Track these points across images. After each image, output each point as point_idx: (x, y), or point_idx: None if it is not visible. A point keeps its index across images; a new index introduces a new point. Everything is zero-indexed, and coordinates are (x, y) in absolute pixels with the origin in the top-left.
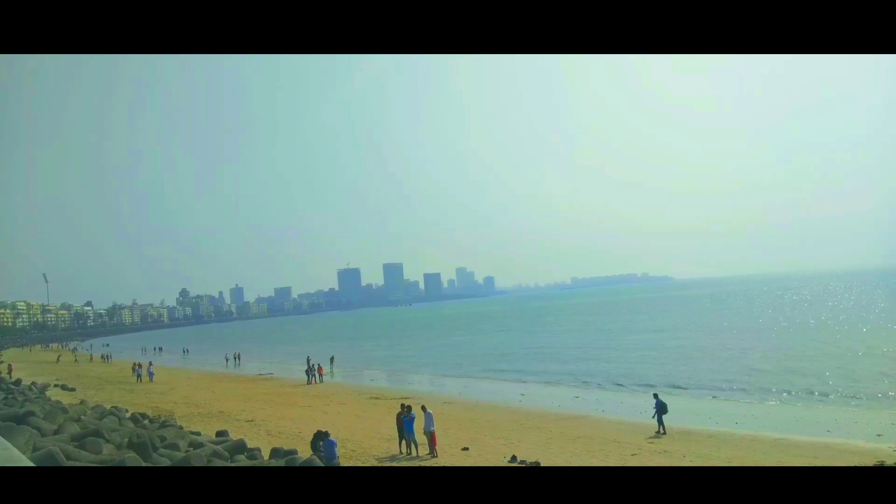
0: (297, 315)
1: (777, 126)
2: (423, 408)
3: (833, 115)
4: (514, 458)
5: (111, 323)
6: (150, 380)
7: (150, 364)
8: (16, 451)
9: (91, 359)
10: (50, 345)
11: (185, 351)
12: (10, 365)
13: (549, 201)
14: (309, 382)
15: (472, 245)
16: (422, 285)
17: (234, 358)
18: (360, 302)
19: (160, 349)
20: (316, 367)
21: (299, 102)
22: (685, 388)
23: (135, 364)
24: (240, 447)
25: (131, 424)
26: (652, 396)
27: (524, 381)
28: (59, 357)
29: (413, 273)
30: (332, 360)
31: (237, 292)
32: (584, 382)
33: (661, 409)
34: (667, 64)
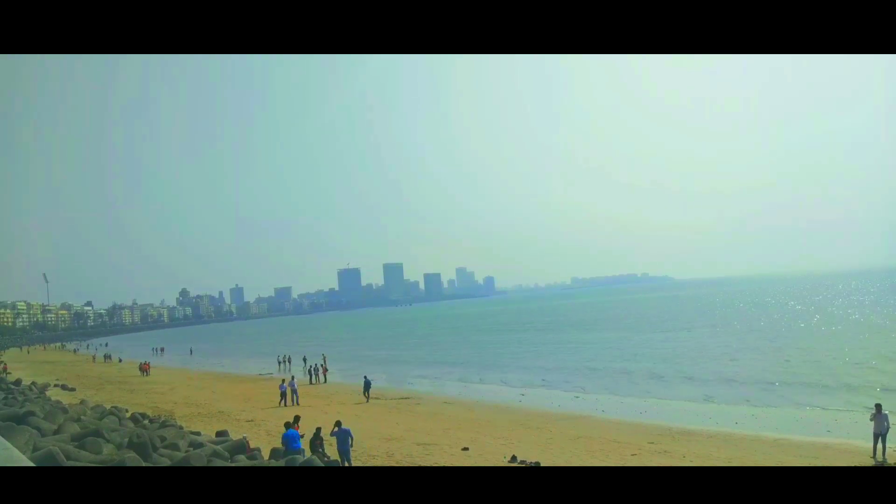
0: (297, 315)
1: (777, 126)
2: (339, 423)
3: (833, 115)
4: (514, 458)
5: (111, 323)
6: (295, 402)
7: (294, 379)
8: (16, 451)
9: (94, 359)
10: (47, 345)
11: (191, 351)
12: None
13: (550, 201)
14: (311, 383)
15: (472, 245)
16: (422, 285)
17: (320, 371)
18: (361, 302)
19: (162, 350)
20: (319, 367)
21: (300, 102)
22: (686, 388)
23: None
24: (240, 447)
25: (131, 424)
26: (363, 377)
27: (524, 382)
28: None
29: (413, 273)
30: (324, 358)
31: (237, 292)
32: (583, 382)
33: (367, 386)
34: (667, 64)
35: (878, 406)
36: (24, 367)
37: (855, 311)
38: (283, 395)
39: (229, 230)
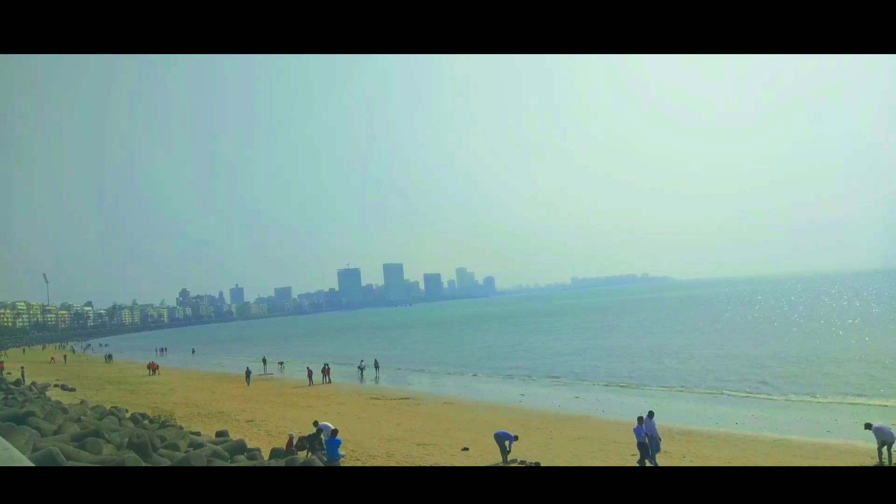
0: (297, 315)
1: (778, 127)
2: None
3: (833, 116)
4: (514, 460)
5: (111, 323)
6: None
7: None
8: (16, 451)
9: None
10: (45, 346)
11: (193, 351)
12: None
13: (550, 202)
14: (311, 384)
15: (472, 245)
16: (422, 286)
17: (360, 369)
18: (361, 302)
19: (164, 349)
20: (324, 366)
21: (300, 103)
22: (686, 389)
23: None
24: (240, 447)
25: (131, 424)
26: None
27: (524, 382)
28: (52, 358)
29: (413, 273)
30: (375, 363)
31: (237, 292)
32: (584, 383)
33: (248, 374)
34: (667, 64)
35: (868, 425)
36: (23, 367)
37: (858, 311)
38: (643, 445)
39: (229, 230)
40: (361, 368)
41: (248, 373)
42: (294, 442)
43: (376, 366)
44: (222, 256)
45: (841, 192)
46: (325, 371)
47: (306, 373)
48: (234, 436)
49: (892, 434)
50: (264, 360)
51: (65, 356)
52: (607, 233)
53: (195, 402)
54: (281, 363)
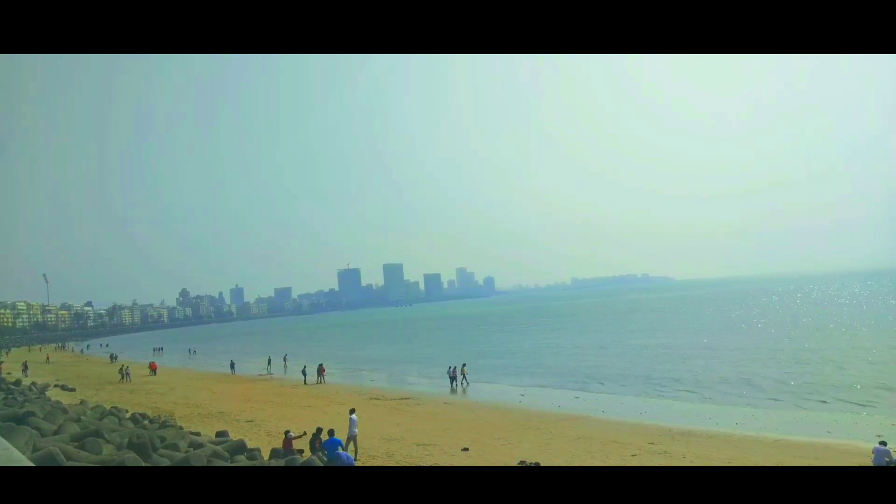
0: (297, 315)
1: (778, 128)
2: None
3: (833, 116)
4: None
5: (111, 323)
6: None
7: None
8: (16, 451)
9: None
10: (41, 346)
11: (194, 352)
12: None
13: (550, 202)
14: (306, 383)
15: (472, 245)
16: (422, 286)
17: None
18: (361, 302)
19: (161, 349)
20: (318, 367)
21: (301, 103)
22: (686, 389)
23: None
24: (240, 447)
25: (131, 424)
26: None
27: (524, 382)
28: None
29: (413, 273)
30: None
31: (237, 292)
32: (583, 383)
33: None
34: (668, 67)
35: (884, 443)
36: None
37: (857, 311)
38: None
39: (229, 230)
40: (452, 378)
41: (231, 364)
42: (292, 441)
43: (462, 373)
44: (222, 256)
45: (842, 192)
46: (321, 371)
47: (308, 373)
48: (234, 436)
49: (883, 463)
50: (285, 359)
51: (48, 357)
52: (608, 233)
53: (195, 402)
54: (278, 360)
